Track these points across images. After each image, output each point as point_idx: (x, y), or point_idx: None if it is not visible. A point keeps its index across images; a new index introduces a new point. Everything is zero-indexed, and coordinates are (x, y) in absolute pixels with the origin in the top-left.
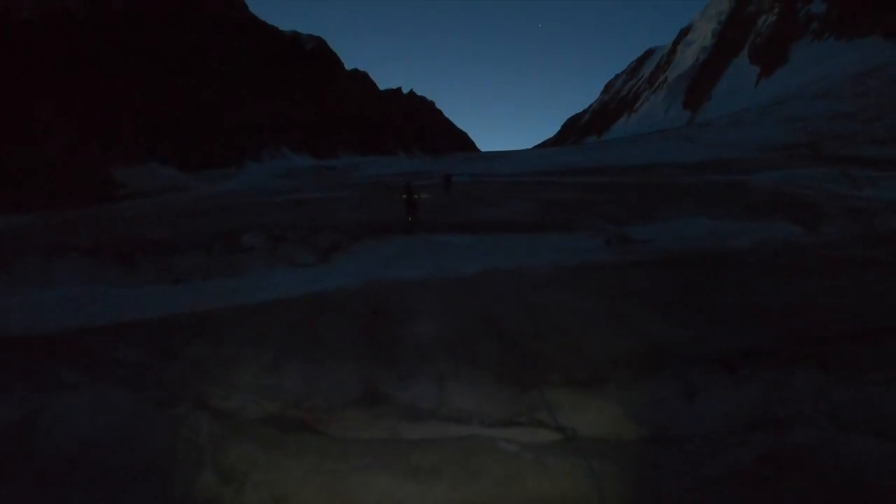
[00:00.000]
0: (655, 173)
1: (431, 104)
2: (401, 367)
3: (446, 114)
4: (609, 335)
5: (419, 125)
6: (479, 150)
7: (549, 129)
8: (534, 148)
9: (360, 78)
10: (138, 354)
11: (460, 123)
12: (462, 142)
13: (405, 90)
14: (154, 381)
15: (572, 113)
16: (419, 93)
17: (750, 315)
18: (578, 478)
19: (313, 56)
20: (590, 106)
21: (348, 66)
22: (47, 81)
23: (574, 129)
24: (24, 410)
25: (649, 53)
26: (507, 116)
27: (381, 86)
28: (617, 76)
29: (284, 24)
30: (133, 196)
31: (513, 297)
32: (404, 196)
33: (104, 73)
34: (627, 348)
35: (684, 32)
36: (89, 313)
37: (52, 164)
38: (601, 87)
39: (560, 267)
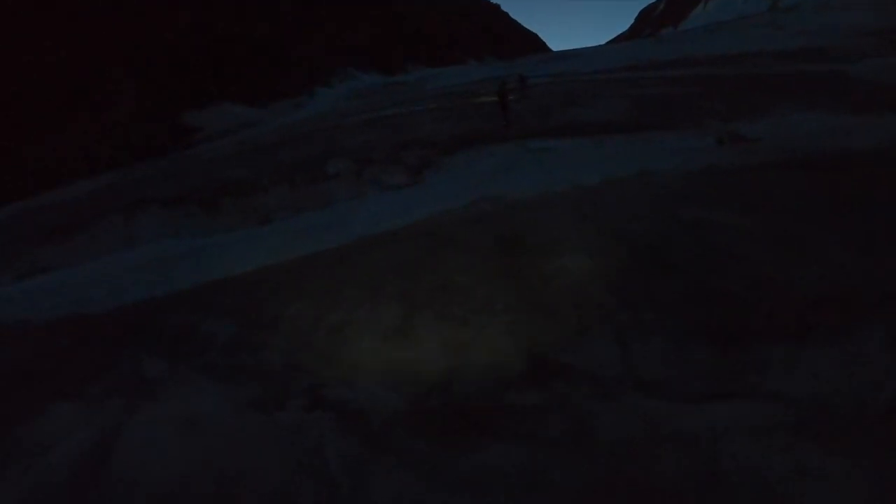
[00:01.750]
0: (746, 63)
1: (496, 7)
2: (564, 322)
3: (513, 16)
4: (793, 265)
5: (487, 31)
6: (551, 51)
7: (622, 24)
8: (608, 43)
9: None
10: (230, 329)
11: (529, 25)
12: (533, 43)
13: None
14: (252, 367)
15: (645, 4)
16: None
17: None
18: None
19: None
20: None
21: None
22: (109, 46)
23: (648, 21)
24: (96, 435)
25: None
26: (577, 13)
27: None
28: None
29: None
30: (210, 138)
31: (656, 213)
32: (497, 98)
33: (160, 25)
34: (823, 283)
35: None
36: (174, 274)
37: (124, 123)
38: None
39: (687, 173)
